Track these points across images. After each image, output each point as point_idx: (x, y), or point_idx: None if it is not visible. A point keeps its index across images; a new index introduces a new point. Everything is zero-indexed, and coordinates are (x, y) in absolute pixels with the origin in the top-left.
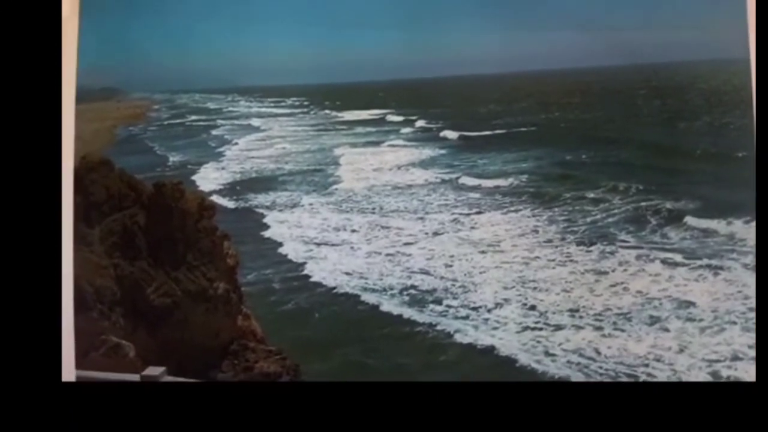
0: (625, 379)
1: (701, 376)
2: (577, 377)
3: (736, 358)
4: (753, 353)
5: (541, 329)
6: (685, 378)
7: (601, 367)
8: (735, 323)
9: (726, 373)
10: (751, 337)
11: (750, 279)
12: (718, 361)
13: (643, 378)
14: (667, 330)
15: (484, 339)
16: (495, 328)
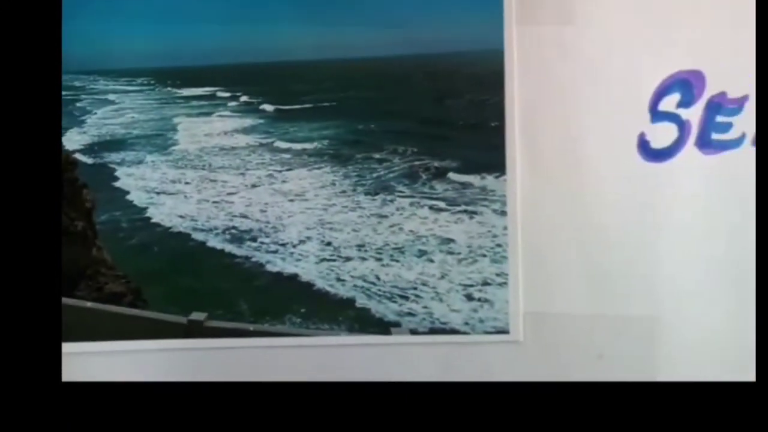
0: (397, 300)
1: (458, 297)
2: (361, 298)
3: (485, 283)
4: (500, 280)
5: (334, 260)
6: (444, 299)
7: (380, 290)
8: (485, 256)
9: (477, 295)
10: (498, 267)
11: (498, 221)
12: (471, 285)
13: (411, 297)
14: (432, 261)
15: (289, 268)
16: (298, 260)
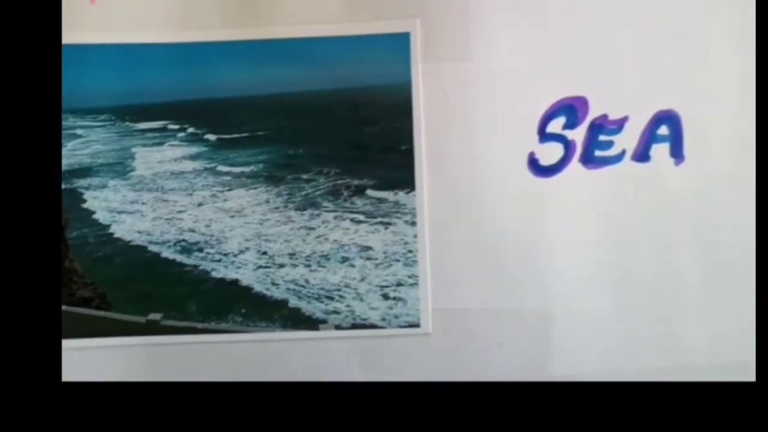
0: (324, 300)
1: (376, 297)
2: (293, 299)
3: (399, 284)
4: (411, 281)
5: (269, 267)
6: (364, 298)
7: (309, 292)
8: (399, 260)
9: (392, 294)
10: (410, 270)
11: (409, 230)
12: (387, 286)
13: (336, 297)
14: (353, 266)
15: (231, 275)
16: (239, 267)
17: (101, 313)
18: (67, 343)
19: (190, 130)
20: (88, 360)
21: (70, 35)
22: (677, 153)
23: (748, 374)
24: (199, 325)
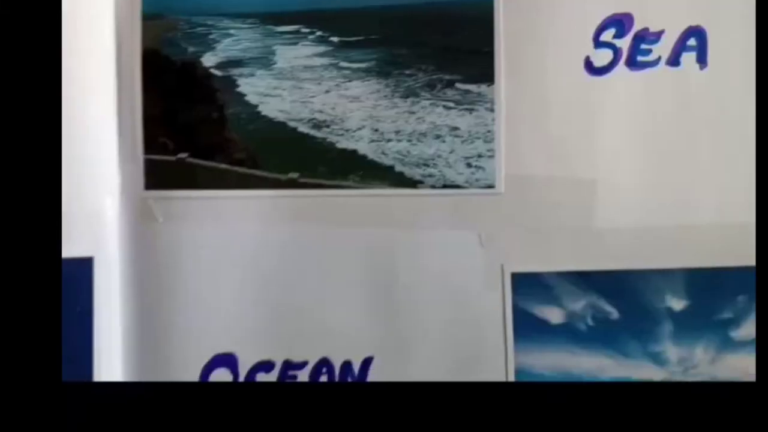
0: (422, 167)
1: (461, 165)
2: (398, 165)
3: (479, 156)
4: (489, 154)
5: (380, 141)
6: (452, 166)
7: (410, 160)
8: (479, 138)
9: (474, 163)
10: (488, 145)
11: (488, 115)
12: (470, 157)
13: (431, 165)
14: (444, 142)
15: (351, 146)
16: (357, 141)
17: (253, 170)
18: (226, 193)
19: (318, 33)
20: (243, 207)
21: None
22: (702, 60)
23: (749, 234)
24: (327, 182)
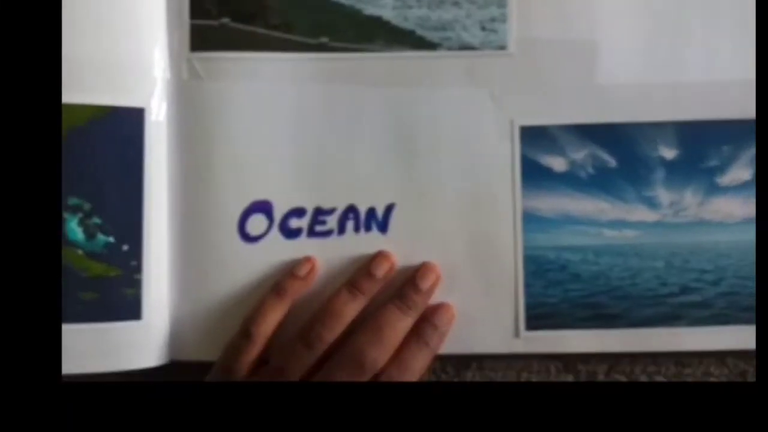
0: (440, 31)
1: (476, 29)
2: (419, 29)
3: (493, 20)
4: (501, 18)
5: (402, 8)
6: (468, 30)
7: (430, 24)
8: (493, 4)
9: (488, 27)
10: (501, 11)
11: None
12: (484, 21)
13: (448, 29)
14: (461, 8)
15: (376, 12)
16: (381, 8)
17: (287, 35)
18: (263, 55)
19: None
20: (278, 68)
21: None
22: None
23: (750, 92)
24: (354, 46)
